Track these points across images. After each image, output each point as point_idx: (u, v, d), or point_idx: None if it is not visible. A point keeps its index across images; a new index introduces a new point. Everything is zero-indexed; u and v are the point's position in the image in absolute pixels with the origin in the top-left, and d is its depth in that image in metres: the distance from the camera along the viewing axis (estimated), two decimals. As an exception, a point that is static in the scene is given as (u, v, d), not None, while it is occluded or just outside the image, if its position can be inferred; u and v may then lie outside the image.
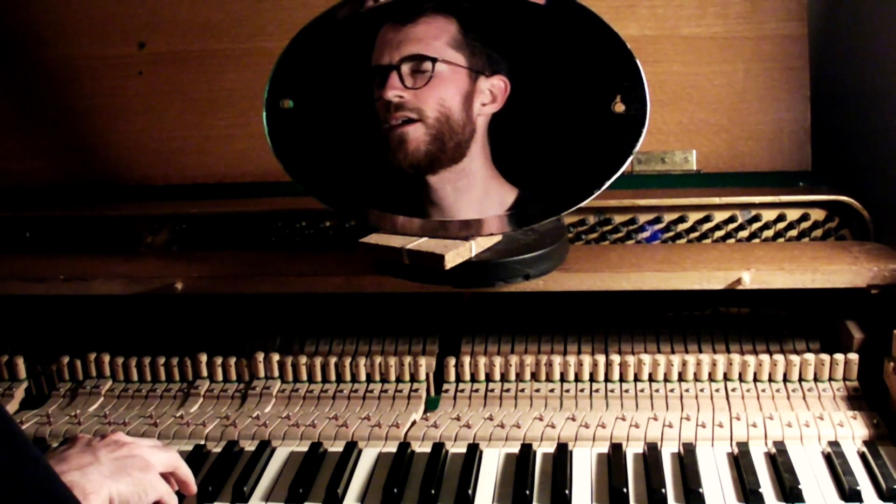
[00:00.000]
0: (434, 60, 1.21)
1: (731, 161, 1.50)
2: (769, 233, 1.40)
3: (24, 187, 1.62)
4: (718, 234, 1.40)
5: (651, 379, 1.29)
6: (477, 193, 1.22)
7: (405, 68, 1.22)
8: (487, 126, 1.22)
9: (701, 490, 1.09)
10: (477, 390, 1.30)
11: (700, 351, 1.33)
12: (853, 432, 1.18)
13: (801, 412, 1.23)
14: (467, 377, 1.32)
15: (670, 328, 1.37)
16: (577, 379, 1.30)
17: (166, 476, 1.09)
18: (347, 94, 1.27)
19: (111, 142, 1.61)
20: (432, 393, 1.33)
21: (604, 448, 1.18)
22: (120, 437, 1.08)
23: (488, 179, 1.22)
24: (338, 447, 1.22)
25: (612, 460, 1.15)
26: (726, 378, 1.28)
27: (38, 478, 0.80)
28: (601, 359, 1.29)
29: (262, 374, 1.35)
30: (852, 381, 1.26)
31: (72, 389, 1.38)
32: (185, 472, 1.11)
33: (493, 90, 1.22)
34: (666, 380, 1.28)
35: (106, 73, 1.61)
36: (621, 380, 1.29)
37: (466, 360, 1.32)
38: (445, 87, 1.21)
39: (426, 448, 1.20)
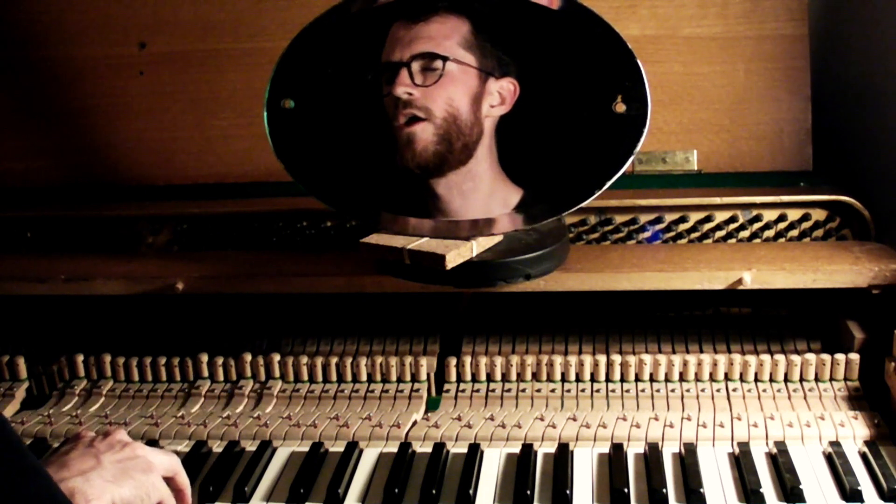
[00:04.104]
0: (445, 59, 1.21)
1: (732, 161, 1.50)
2: (770, 233, 1.40)
3: (25, 187, 1.62)
4: (719, 234, 1.40)
5: (652, 379, 1.29)
6: (482, 195, 1.22)
7: (415, 66, 1.22)
8: (495, 128, 1.22)
9: (702, 490, 1.08)
10: (478, 390, 1.30)
11: (701, 351, 1.32)
12: (854, 432, 1.18)
13: (802, 412, 1.23)
14: (468, 377, 1.32)
15: (671, 328, 1.37)
16: (578, 379, 1.30)
17: (165, 479, 1.08)
18: (351, 93, 1.27)
19: (112, 142, 1.62)
20: (433, 393, 1.33)
21: (605, 448, 1.18)
22: (122, 437, 1.07)
23: (493, 181, 1.23)
24: (339, 447, 1.22)
25: (613, 460, 1.15)
26: (727, 378, 1.28)
27: (36, 488, 0.80)
28: (602, 359, 1.29)
29: (263, 374, 1.35)
30: (853, 381, 1.26)
31: (73, 389, 1.38)
32: (184, 481, 1.09)
33: (501, 92, 1.22)
34: (667, 380, 1.28)
35: (107, 73, 1.61)
36: (622, 380, 1.29)
37: (467, 360, 1.32)
38: (455, 86, 1.21)
39: (427, 448, 1.20)
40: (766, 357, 1.27)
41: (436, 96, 1.21)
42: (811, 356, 1.26)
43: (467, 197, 1.23)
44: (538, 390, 1.29)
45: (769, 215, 1.39)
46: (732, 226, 1.40)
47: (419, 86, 1.22)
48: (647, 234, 1.41)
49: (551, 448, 1.20)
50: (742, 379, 1.28)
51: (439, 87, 1.21)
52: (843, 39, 1.67)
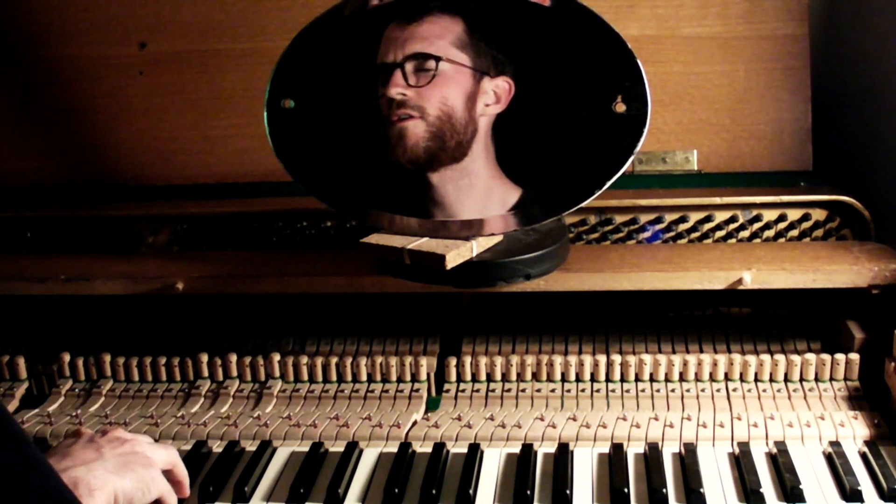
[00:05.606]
0: (438, 59, 1.21)
1: (732, 161, 1.50)
2: (770, 233, 1.40)
3: (25, 187, 1.62)
4: (719, 234, 1.40)
5: (652, 379, 1.29)
6: (478, 193, 1.22)
7: (409, 66, 1.22)
8: (491, 126, 1.22)
9: (702, 490, 1.08)
10: (478, 390, 1.30)
11: (701, 351, 1.33)
12: (854, 432, 1.18)
13: (802, 412, 1.23)
14: (468, 377, 1.32)
15: (671, 328, 1.37)
16: (578, 379, 1.30)
17: (164, 473, 1.09)
18: (349, 93, 1.27)
19: (112, 142, 1.62)
20: (433, 393, 1.33)
21: (605, 448, 1.18)
22: (121, 434, 1.08)
23: (490, 179, 1.23)
24: (339, 447, 1.22)
25: (613, 460, 1.15)
26: (727, 378, 1.28)
27: (40, 481, 0.80)
28: (602, 359, 1.29)
29: (262, 374, 1.35)
30: (853, 381, 1.26)
31: (72, 389, 1.38)
32: (182, 473, 1.11)
33: (496, 91, 1.22)
34: (667, 380, 1.28)
35: (107, 74, 1.61)
36: (622, 380, 1.29)
37: (467, 360, 1.32)
38: (448, 86, 1.22)
39: (427, 448, 1.20)
40: (766, 357, 1.27)
41: (430, 96, 1.22)
42: (811, 356, 1.26)
43: (463, 193, 1.23)
44: (538, 390, 1.29)
45: (769, 215, 1.39)
46: (732, 226, 1.40)
47: (413, 86, 1.22)
48: (647, 234, 1.41)
49: (551, 448, 1.20)
50: (742, 379, 1.28)
51: (433, 86, 1.22)
52: (843, 39, 1.67)
